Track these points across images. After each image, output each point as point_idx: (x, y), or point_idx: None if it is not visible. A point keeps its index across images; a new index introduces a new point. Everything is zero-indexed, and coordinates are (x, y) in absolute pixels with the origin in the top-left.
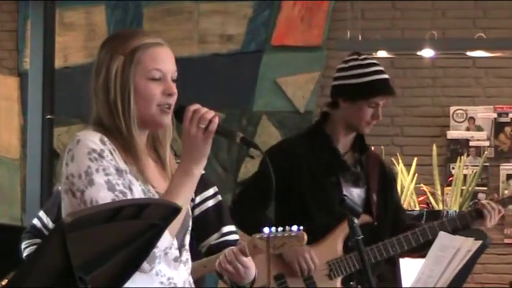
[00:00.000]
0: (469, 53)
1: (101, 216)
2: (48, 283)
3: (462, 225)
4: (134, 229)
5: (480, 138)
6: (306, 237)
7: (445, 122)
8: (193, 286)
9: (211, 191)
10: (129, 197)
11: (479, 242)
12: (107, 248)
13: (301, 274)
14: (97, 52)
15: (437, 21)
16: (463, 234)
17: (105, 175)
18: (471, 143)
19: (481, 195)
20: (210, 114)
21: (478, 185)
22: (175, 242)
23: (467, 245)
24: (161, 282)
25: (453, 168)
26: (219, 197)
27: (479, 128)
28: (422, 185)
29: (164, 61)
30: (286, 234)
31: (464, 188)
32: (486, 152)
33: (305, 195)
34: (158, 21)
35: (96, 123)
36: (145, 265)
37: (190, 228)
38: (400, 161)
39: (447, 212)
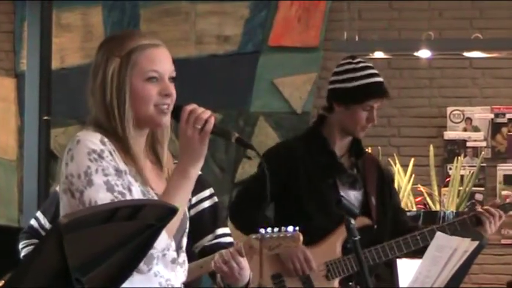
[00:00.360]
0: (466, 54)
1: (98, 217)
2: (45, 284)
3: (462, 229)
4: (131, 230)
5: (477, 138)
6: (301, 237)
7: (442, 123)
8: None
9: (207, 192)
10: (128, 197)
11: (476, 243)
12: (103, 249)
13: (296, 274)
14: (94, 53)
15: (434, 21)
16: (460, 235)
17: (105, 176)
18: (468, 144)
19: (478, 196)
20: (206, 114)
21: (475, 186)
22: (173, 244)
23: (464, 245)
24: (160, 283)
25: (450, 168)
26: (215, 199)
27: (476, 129)
28: (419, 185)
29: (161, 62)
30: (281, 235)
31: (461, 188)
32: (483, 153)
33: (302, 197)
34: (155, 22)
35: (95, 124)
36: (142, 266)
37: (187, 230)
38: (397, 161)
39: (444, 212)
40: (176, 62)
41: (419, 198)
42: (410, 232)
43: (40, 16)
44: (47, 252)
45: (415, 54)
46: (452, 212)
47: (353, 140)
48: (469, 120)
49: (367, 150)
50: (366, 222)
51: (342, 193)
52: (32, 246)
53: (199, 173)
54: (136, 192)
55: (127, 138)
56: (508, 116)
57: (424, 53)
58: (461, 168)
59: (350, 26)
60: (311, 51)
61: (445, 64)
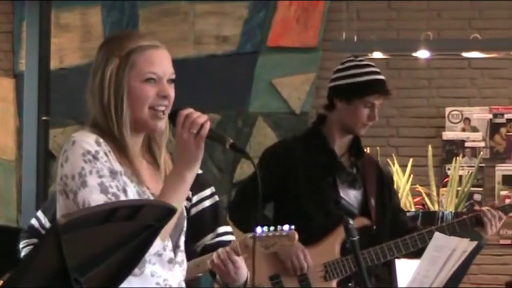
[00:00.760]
0: (465, 54)
1: (96, 218)
2: (44, 284)
3: (461, 230)
4: (129, 230)
5: (476, 139)
6: (296, 236)
7: (441, 123)
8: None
9: (208, 191)
10: (123, 199)
11: (475, 243)
12: (101, 249)
13: (294, 272)
14: (93, 53)
15: (433, 22)
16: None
17: (99, 177)
18: (467, 144)
19: (476, 196)
20: (202, 119)
21: (473, 186)
22: (169, 244)
23: (463, 245)
24: (157, 283)
25: (449, 169)
26: (216, 198)
27: (474, 129)
28: (417, 185)
29: (160, 64)
30: (277, 234)
31: (459, 188)
32: (482, 153)
33: (301, 197)
34: (154, 22)
35: (92, 125)
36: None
37: (185, 229)
38: (395, 161)
39: (443, 213)
40: (175, 62)
41: (417, 199)
42: (409, 233)
43: (39, 16)
44: (46, 252)
45: (414, 54)
46: (451, 212)
47: (353, 140)
48: (467, 120)
49: (365, 150)
50: (365, 223)
51: (341, 192)
52: (32, 246)
53: (200, 171)
54: (132, 193)
55: (124, 139)
56: (506, 116)
57: (422, 53)
58: (459, 168)
59: (348, 26)
60: (310, 51)
61: (444, 64)
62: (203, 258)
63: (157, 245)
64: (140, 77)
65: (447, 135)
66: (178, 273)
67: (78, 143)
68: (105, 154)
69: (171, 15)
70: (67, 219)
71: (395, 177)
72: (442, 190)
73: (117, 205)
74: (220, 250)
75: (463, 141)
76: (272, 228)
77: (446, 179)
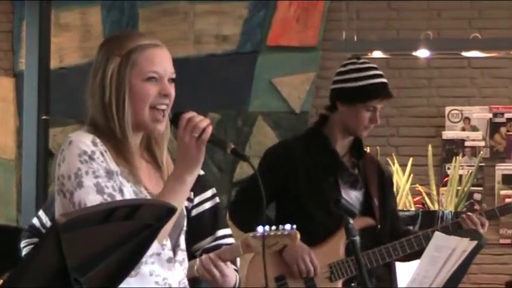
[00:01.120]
0: (465, 53)
1: (95, 217)
2: (44, 283)
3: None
4: (128, 230)
5: (475, 138)
6: (298, 235)
7: (441, 122)
8: (187, 287)
9: (209, 193)
10: (118, 199)
11: (475, 242)
12: (101, 249)
13: (301, 276)
14: (93, 53)
15: (433, 21)
16: (458, 235)
17: (95, 178)
18: (466, 143)
19: (476, 196)
20: (204, 123)
21: (473, 185)
22: (168, 243)
23: (463, 245)
24: (156, 282)
25: (448, 168)
26: (217, 199)
27: (474, 128)
28: (417, 185)
29: (160, 62)
30: (279, 233)
31: (459, 188)
32: (482, 152)
33: (301, 197)
34: (154, 22)
35: (90, 124)
36: None
37: (185, 228)
38: (395, 161)
39: (443, 212)
40: (175, 61)
41: (417, 198)
42: (404, 236)
43: (39, 16)
44: (46, 252)
45: (414, 54)
46: (451, 211)
47: (354, 141)
48: (467, 119)
49: (366, 150)
50: (369, 223)
51: (342, 192)
52: (33, 245)
53: (202, 172)
54: (128, 193)
55: (126, 138)
56: (506, 115)
57: (422, 53)
58: (459, 167)
59: (348, 26)
60: (309, 51)
61: (444, 64)
62: (191, 263)
63: (153, 247)
64: (141, 76)
65: (447, 134)
66: (179, 272)
67: (74, 143)
68: (102, 154)
69: (171, 15)
70: (67, 219)
71: (395, 177)
72: (442, 189)
73: (116, 205)
74: (203, 257)
75: (463, 141)
76: (274, 227)
77: (446, 179)
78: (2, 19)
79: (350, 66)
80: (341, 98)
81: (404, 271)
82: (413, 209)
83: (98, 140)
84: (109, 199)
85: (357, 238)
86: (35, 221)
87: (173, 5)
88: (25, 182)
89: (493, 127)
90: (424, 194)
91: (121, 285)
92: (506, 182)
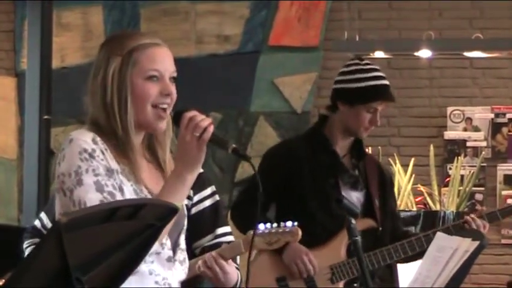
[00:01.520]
0: (466, 54)
1: (97, 216)
2: (45, 283)
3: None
4: (131, 229)
5: (477, 138)
6: (300, 232)
7: (442, 123)
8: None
9: (208, 191)
10: (118, 198)
11: (477, 243)
12: (103, 248)
13: (301, 276)
14: (94, 52)
15: (434, 21)
16: (460, 235)
17: (95, 176)
18: (468, 144)
19: (478, 196)
20: (205, 122)
21: (475, 186)
22: (168, 242)
23: (465, 245)
24: (156, 282)
25: (450, 168)
26: (217, 197)
27: (476, 129)
28: (419, 185)
29: (162, 61)
30: (280, 230)
31: (461, 188)
32: (483, 153)
33: (305, 196)
34: (155, 22)
35: (91, 123)
36: None
37: (185, 227)
38: (397, 161)
39: (444, 212)
40: (176, 61)
41: (419, 198)
42: (404, 238)
43: (40, 15)
44: (47, 252)
45: (416, 54)
46: (452, 212)
47: (354, 141)
48: (469, 120)
49: (367, 150)
50: (371, 224)
51: (343, 193)
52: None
53: (201, 170)
54: (128, 191)
55: (128, 137)
56: (508, 116)
57: (424, 53)
58: (461, 168)
59: (350, 26)
60: (311, 51)
61: (445, 64)
62: (192, 262)
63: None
64: (142, 75)
65: (449, 134)
66: (179, 272)
67: (75, 141)
68: (102, 152)
69: (172, 15)
70: (69, 218)
71: (396, 177)
72: (444, 190)
73: (119, 204)
74: (206, 255)
75: (465, 141)
76: (275, 224)
77: (448, 179)
78: (3, 19)
79: (353, 67)
80: (342, 98)
81: (406, 271)
82: (415, 209)
83: (98, 139)
84: (109, 197)
85: (359, 238)
86: (37, 222)
87: (174, 5)
88: (26, 181)
89: (495, 127)
90: (425, 194)
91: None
92: (507, 182)
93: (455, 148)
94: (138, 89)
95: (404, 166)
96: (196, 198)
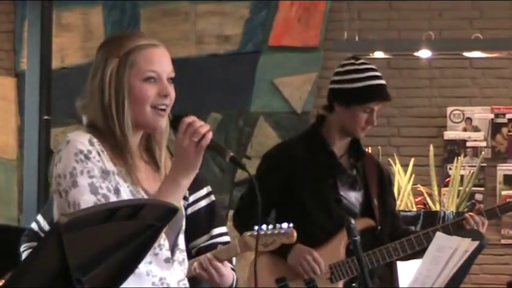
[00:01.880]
0: (466, 54)
1: (97, 217)
2: (45, 284)
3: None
4: (130, 230)
5: (477, 138)
6: (295, 233)
7: (442, 123)
8: (187, 287)
9: (204, 191)
10: (113, 200)
11: (477, 243)
12: (103, 249)
13: (307, 275)
14: (94, 53)
15: (434, 21)
16: (460, 235)
17: (89, 178)
18: (468, 144)
19: (478, 196)
20: (204, 128)
21: (475, 186)
22: (166, 243)
23: (465, 245)
24: (153, 283)
25: (450, 168)
26: (212, 197)
27: (476, 129)
28: (419, 185)
29: (159, 62)
30: (276, 231)
31: (461, 188)
32: (483, 153)
33: (304, 197)
34: (155, 22)
35: (89, 125)
36: None
37: (183, 228)
38: (397, 161)
39: (444, 212)
40: (176, 61)
41: (419, 198)
42: (403, 236)
43: (40, 16)
44: (47, 252)
45: (415, 54)
46: (452, 212)
47: (352, 141)
48: (469, 120)
49: (366, 150)
50: (369, 224)
51: (342, 193)
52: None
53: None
54: (125, 193)
55: (126, 138)
56: (508, 116)
57: (424, 53)
58: (461, 168)
59: (350, 26)
60: (311, 51)
61: (445, 64)
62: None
63: None
64: (140, 76)
65: (448, 135)
66: (178, 273)
67: (71, 142)
68: (98, 154)
69: (172, 15)
70: (69, 218)
71: (396, 177)
72: (444, 190)
73: (119, 204)
74: (201, 257)
75: (465, 141)
76: (271, 226)
77: (448, 179)
78: (3, 19)
79: (348, 67)
80: (338, 99)
81: (406, 271)
82: (414, 209)
83: (95, 140)
84: (103, 200)
85: (358, 238)
86: (33, 225)
87: (175, 5)
88: (26, 181)
89: (495, 127)
90: (425, 195)
91: None
92: (507, 183)
93: (455, 148)
94: (136, 90)
95: (404, 166)
96: (191, 198)
